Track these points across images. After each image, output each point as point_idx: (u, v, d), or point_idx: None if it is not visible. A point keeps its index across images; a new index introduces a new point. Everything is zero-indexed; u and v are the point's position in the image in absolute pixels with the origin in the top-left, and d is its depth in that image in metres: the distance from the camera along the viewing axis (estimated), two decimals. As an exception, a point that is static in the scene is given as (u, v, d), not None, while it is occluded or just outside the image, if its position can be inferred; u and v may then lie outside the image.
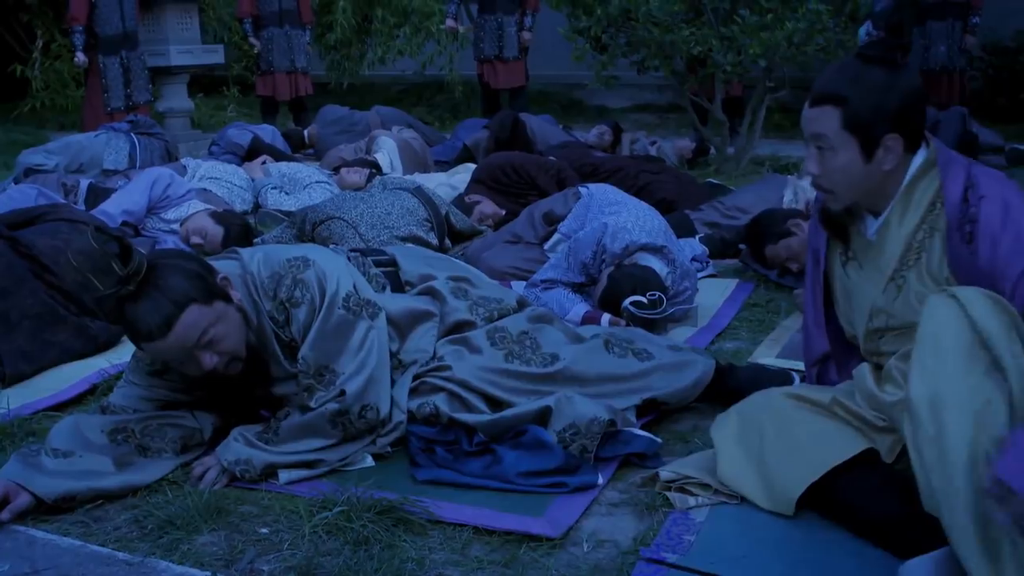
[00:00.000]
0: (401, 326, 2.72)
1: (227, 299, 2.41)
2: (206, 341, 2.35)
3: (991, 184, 2.11)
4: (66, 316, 3.44)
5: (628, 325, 3.37)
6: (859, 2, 6.60)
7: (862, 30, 7.69)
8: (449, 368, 2.65)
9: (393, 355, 2.66)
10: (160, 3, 9.07)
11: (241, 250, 2.65)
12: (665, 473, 2.33)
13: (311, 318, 2.47)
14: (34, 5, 11.42)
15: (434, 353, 2.73)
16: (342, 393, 2.44)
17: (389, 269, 2.95)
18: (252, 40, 9.59)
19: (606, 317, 3.50)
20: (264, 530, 2.18)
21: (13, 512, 2.24)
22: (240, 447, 2.43)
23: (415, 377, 2.66)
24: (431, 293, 2.86)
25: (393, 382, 2.62)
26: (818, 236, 2.43)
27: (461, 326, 2.80)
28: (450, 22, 9.86)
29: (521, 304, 2.96)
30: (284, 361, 2.55)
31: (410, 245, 3.62)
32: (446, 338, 2.77)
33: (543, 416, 2.53)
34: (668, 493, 2.28)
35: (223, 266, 2.51)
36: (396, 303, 2.75)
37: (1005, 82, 10.12)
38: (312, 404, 2.46)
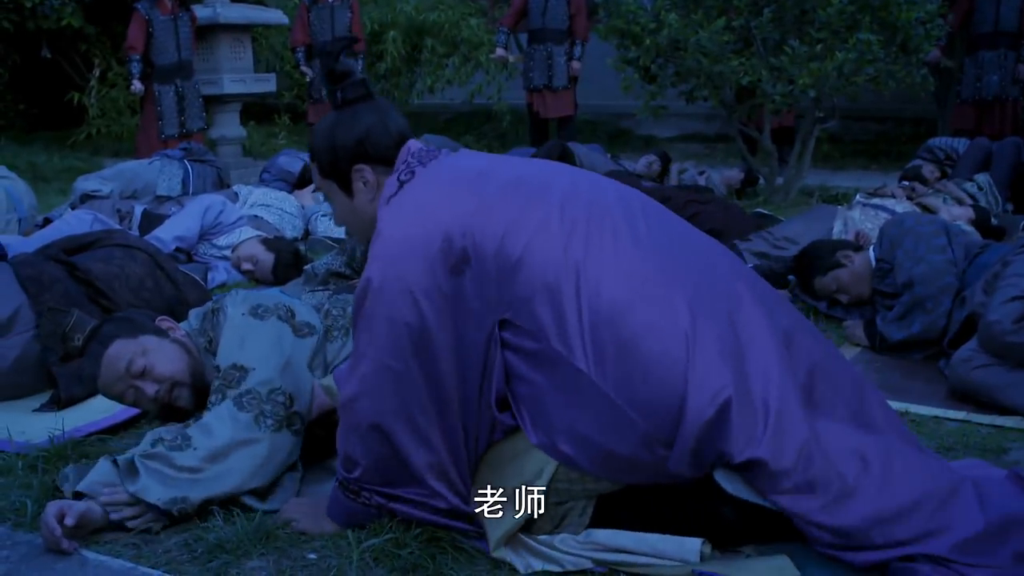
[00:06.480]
0: None
1: (160, 333, 2.69)
2: (137, 371, 2.58)
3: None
4: (120, 340, 3.48)
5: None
6: (911, 32, 6.55)
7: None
8: None
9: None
10: (214, 32, 9.22)
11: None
12: None
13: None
14: (92, 35, 11.66)
15: None
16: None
17: None
18: (304, 68, 9.69)
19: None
20: (312, 555, 2.19)
21: None
22: (165, 489, 2.29)
23: None
24: None
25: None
26: None
27: None
28: (500, 52, 9.90)
29: None
30: None
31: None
32: None
33: None
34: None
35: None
36: None
37: (1059, 113, 9.99)
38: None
